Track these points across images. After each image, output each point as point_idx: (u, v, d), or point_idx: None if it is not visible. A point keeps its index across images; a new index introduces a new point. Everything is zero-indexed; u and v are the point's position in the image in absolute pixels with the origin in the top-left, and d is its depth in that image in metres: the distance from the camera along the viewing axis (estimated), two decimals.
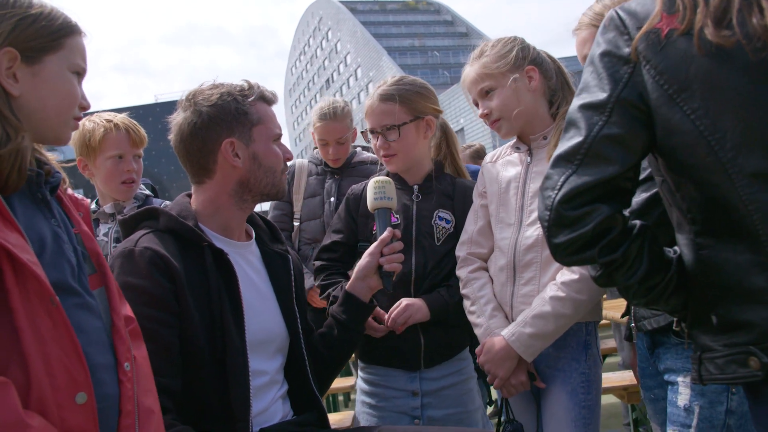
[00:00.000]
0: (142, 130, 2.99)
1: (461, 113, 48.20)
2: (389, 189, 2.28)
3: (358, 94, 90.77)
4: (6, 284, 1.23)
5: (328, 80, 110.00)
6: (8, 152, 1.32)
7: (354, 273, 2.29)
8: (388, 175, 2.51)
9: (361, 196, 2.57)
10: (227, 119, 2.00)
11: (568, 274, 2.12)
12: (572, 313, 2.11)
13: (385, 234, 2.23)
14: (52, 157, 1.62)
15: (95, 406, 1.33)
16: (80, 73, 1.52)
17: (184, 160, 2.07)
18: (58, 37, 1.45)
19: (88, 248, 1.53)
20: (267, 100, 2.11)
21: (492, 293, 2.32)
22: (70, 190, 1.75)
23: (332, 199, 3.65)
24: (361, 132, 2.62)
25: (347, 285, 2.30)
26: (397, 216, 2.48)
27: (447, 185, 2.55)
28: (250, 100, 2.04)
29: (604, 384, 4.27)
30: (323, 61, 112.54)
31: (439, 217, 2.49)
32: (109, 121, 2.87)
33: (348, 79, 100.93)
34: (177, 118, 2.04)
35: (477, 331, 2.32)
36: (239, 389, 1.89)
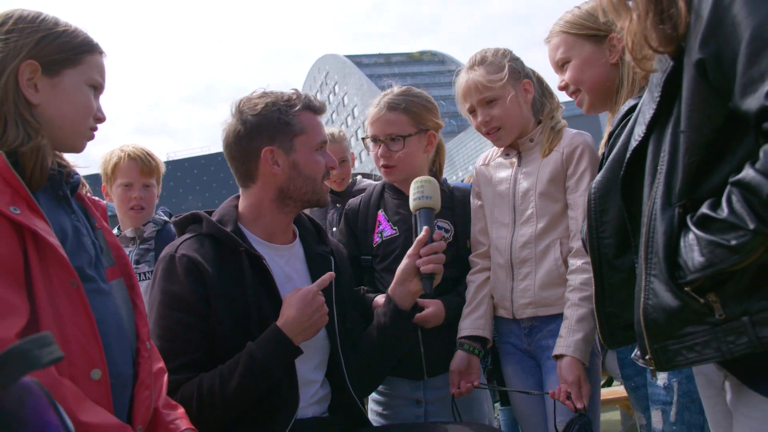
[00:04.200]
0: (155, 161, 3.14)
1: (470, 160, 48.52)
2: (428, 188, 2.21)
3: None
4: (30, 266, 1.35)
5: None
6: (29, 150, 1.46)
7: (395, 277, 2.25)
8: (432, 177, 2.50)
9: (359, 210, 2.66)
10: (269, 129, 2.11)
11: (580, 275, 2.21)
12: None
13: (421, 234, 2.17)
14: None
15: (109, 382, 1.44)
16: (97, 88, 1.67)
17: (230, 164, 2.20)
18: (77, 53, 1.60)
19: (109, 242, 1.67)
20: (314, 109, 2.19)
21: (479, 292, 2.46)
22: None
23: (335, 228, 3.70)
24: (362, 138, 2.67)
25: (389, 288, 2.28)
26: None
27: (444, 195, 2.57)
28: (294, 110, 2.13)
29: (608, 396, 4.30)
30: (331, 115, 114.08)
31: (438, 226, 2.54)
32: (123, 150, 3.04)
33: (356, 131, 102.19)
34: (226, 125, 2.17)
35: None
36: (288, 379, 2.02)
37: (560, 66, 2.25)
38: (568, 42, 2.19)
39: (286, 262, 2.21)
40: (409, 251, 2.20)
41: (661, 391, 1.92)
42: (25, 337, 0.83)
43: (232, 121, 2.16)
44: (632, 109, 1.64)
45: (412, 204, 2.24)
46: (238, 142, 2.14)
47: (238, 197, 2.27)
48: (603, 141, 2.06)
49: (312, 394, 2.15)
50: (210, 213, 2.22)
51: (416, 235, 2.20)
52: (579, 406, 2.12)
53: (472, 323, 2.42)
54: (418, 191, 2.22)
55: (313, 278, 2.23)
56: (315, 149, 2.17)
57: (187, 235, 2.13)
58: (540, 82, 2.50)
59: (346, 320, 2.28)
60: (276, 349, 1.95)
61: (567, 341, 2.18)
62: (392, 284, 2.26)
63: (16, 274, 1.35)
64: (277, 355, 1.95)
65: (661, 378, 1.91)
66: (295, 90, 2.20)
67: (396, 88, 2.57)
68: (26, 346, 0.82)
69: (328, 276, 2.10)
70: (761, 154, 1.12)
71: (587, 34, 2.15)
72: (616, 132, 1.62)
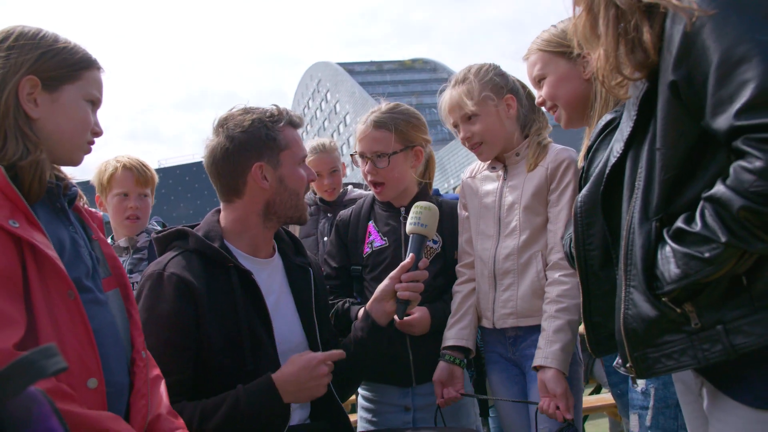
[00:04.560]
0: (150, 172, 3.19)
1: (461, 168, 48.71)
2: (425, 215, 2.28)
3: None
4: (29, 278, 1.39)
5: None
6: (28, 164, 1.50)
7: (374, 293, 2.33)
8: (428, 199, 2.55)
9: (349, 221, 2.72)
10: (258, 144, 2.15)
11: (558, 287, 2.27)
12: (578, 317, 2.24)
13: (406, 261, 2.26)
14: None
15: (105, 391, 1.47)
16: (95, 103, 1.71)
17: (215, 180, 2.22)
18: (76, 69, 1.64)
19: (105, 253, 1.71)
20: (294, 124, 2.26)
21: (464, 303, 2.50)
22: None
23: (326, 238, 3.74)
24: (351, 154, 2.72)
25: (368, 303, 2.35)
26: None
27: None
28: (279, 125, 2.19)
29: (597, 403, 4.36)
30: (323, 122, 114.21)
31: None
32: (118, 161, 3.09)
33: (348, 139, 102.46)
34: (210, 142, 2.19)
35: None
36: None
37: (537, 82, 2.33)
38: (544, 59, 2.27)
39: (268, 276, 2.25)
40: (392, 273, 2.28)
41: (639, 396, 1.98)
42: (30, 349, 0.87)
43: (217, 138, 2.18)
44: (609, 124, 1.71)
45: (407, 227, 2.31)
46: (227, 158, 2.15)
47: (218, 211, 2.28)
48: (581, 155, 2.12)
49: None
50: (193, 227, 2.23)
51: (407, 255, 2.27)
52: (568, 417, 2.17)
53: (456, 333, 2.46)
54: (415, 217, 2.29)
55: (293, 290, 2.29)
56: (298, 163, 2.23)
57: (172, 253, 2.13)
58: (531, 98, 2.53)
59: (324, 330, 2.34)
60: (263, 400, 1.95)
61: (545, 352, 2.23)
62: (370, 300, 2.33)
63: (15, 286, 1.38)
64: (263, 408, 1.95)
65: (640, 384, 1.97)
66: (276, 105, 2.26)
67: (384, 105, 2.62)
68: (33, 357, 0.86)
69: (339, 353, 2.11)
70: (731, 171, 1.19)
71: (562, 51, 2.22)
72: (595, 146, 1.69)
